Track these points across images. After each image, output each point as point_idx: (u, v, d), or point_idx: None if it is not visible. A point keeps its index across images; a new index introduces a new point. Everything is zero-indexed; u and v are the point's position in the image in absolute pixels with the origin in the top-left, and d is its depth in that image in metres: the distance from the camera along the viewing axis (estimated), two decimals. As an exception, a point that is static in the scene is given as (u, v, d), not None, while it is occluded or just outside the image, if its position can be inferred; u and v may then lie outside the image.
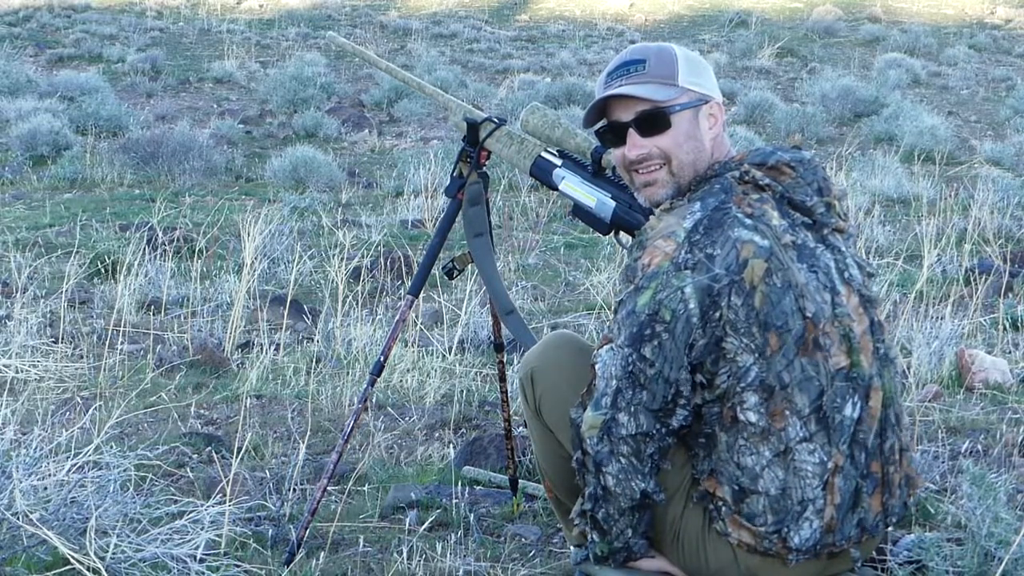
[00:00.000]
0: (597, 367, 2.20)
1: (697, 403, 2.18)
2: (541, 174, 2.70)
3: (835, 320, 2.17)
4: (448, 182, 2.88)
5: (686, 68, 2.28)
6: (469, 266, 2.92)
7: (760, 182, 2.21)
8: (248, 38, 19.14)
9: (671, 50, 2.31)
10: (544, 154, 2.70)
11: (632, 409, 2.15)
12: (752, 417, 2.15)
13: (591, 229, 2.69)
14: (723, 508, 2.22)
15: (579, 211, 2.64)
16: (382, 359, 2.86)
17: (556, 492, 2.53)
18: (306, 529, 2.82)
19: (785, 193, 2.22)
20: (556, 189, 2.67)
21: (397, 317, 2.87)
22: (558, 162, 2.68)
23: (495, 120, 2.80)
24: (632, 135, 2.28)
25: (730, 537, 2.22)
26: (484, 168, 2.85)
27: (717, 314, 2.11)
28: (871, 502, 2.22)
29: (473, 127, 2.81)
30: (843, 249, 2.27)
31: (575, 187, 2.63)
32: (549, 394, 2.40)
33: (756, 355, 2.12)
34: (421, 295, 5.38)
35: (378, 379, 2.91)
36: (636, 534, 2.26)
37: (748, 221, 2.14)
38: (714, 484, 2.22)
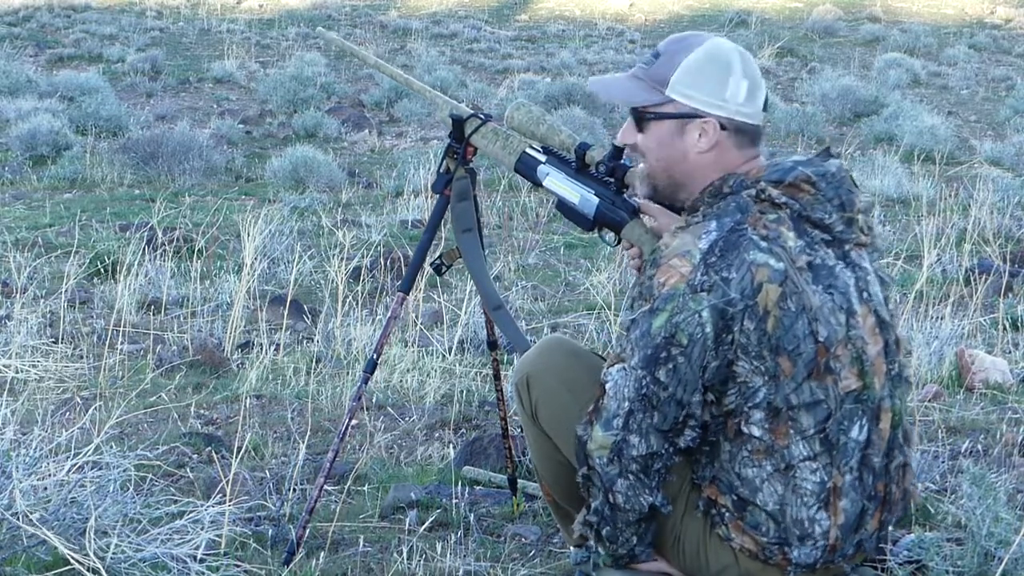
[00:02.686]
0: (608, 387, 2.17)
1: (705, 420, 2.17)
2: (525, 170, 2.70)
3: (848, 343, 2.14)
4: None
5: (686, 77, 2.21)
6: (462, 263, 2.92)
7: (776, 200, 2.15)
8: (248, 38, 19.11)
9: (686, 52, 2.22)
10: (529, 150, 2.69)
11: (643, 431, 2.14)
12: (756, 432, 2.14)
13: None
14: (726, 514, 2.21)
15: (563, 207, 2.63)
16: (375, 357, 2.87)
17: (554, 495, 2.52)
18: (304, 529, 2.82)
19: (803, 212, 2.16)
20: (540, 185, 2.66)
21: (389, 314, 2.87)
22: (542, 158, 2.67)
23: (480, 116, 2.80)
24: (628, 121, 2.31)
25: (733, 542, 2.22)
26: (471, 164, 2.84)
27: (729, 337, 2.09)
28: (872, 522, 2.23)
29: (458, 123, 2.80)
30: (866, 265, 2.22)
31: (559, 183, 2.62)
32: (544, 399, 2.40)
33: (766, 377, 2.10)
34: (421, 295, 5.42)
35: (372, 377, 2.90)
36: (642, 543, 2.26)
37: (763, 244, 2.10)
38: (715, 492, 2.22)
